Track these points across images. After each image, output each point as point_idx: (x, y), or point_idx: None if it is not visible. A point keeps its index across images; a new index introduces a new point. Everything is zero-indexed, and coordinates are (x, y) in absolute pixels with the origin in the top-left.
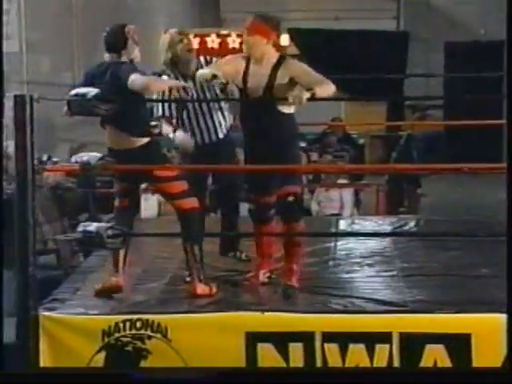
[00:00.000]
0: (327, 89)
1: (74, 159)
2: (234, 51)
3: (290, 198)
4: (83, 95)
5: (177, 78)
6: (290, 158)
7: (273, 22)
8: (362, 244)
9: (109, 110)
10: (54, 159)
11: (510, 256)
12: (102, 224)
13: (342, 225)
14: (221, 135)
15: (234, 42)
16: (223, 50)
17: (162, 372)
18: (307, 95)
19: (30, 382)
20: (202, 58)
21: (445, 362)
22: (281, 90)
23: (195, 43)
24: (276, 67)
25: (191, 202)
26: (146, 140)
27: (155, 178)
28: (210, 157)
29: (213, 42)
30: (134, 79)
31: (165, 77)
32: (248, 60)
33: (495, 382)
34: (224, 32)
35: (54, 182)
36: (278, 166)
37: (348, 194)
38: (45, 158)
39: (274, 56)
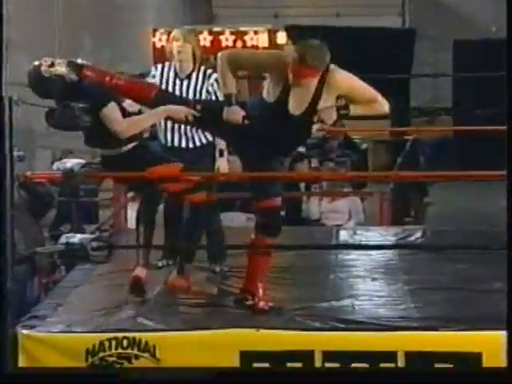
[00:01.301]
0: (378, 109)
1: (55, 166)
2: (226, 50)
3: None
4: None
5: (167, 78)
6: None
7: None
8: (365, 256)
9: (91, 123)
10: None
11: (510, 269)
12: (86, 235)
13: (343, 236)
14: (198, 143)
15: (227, 39)
16: (215, 49)
17: (159, 373)
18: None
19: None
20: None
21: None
22: (325, 114)
23: None
24: (320, 84)
25: (200, 196)
26: (131, 145)
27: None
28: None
29: (204, 39)
30: (107, 115)
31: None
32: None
33: (495, 383)
34: (217, 29)
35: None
36: (276, 174)
37: (357, 203)
38: None
39: (316, 77)
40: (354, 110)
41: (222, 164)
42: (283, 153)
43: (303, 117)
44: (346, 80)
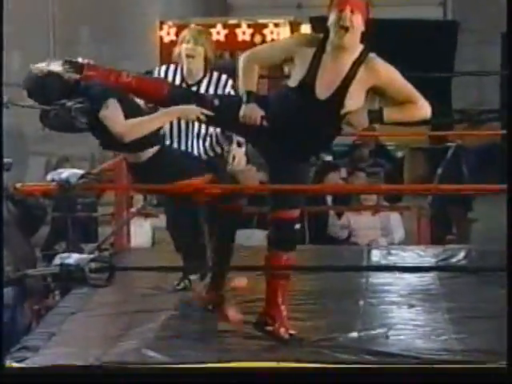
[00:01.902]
0: (418, 114)
1: (50, 177)
2: (244, 45)
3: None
4: (62, 104)
5: (172, 83)
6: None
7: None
8: (401, 280)
9: (89, 124)
10: None
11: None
12: (84, 255)
13: (376, 256)
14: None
15: (244, 33)
16: (231, 44)
17: (160, 373)
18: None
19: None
20: (215, 75)
21: None
22: (354, 118)
23: None
24: (357, 64)
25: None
26: (152, 150)
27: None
28: None
29: (218, 33)
30: (106, 116)
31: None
32: (321, 47)
33: (495, 382)
34: (232, 21)
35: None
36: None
37: (392, 219)
38: None
39: (357, 48)
40: (389, 114)
41: (239, 155)
42: (311, 148)
43: (331, 102)
44: (385, 69)
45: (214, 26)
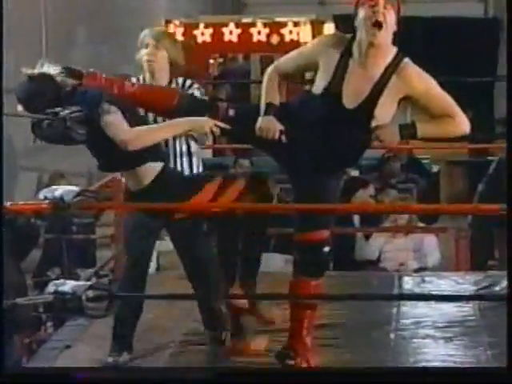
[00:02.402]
0: (455, 130)
1: (42, 194)
2: (259, 46)
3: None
4: (56, 113)
5: None
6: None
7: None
8: (436, 311)
9: (88, 136)
10: None
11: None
12: (80, 282)
13: (408, 283)
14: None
15: (259, 33)
16: (245, 45)
17: (160, 373)
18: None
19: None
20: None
21: None
22: (384, 133)
23: (207, 35)
24: (389, 70)
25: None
26: (154, 170)
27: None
28: None
29: (231, 33)
30: (110, 122)
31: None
32: (348, 49)
33: (495, 382)
34: (246, 20)
35: None
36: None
37: (427, 241)
38: None
39: (389, 51)
40: (424, 129)
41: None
42: (337, 162)
43: (359, 112)
44: (421, 78)
45: (225, 25)
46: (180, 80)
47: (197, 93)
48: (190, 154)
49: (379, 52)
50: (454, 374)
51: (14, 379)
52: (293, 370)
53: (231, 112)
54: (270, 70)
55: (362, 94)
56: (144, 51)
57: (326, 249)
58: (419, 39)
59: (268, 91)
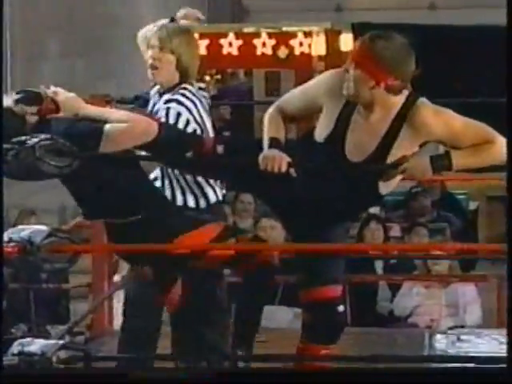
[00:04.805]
0: (495, 156)
1: (7, 236)
2: (264, 60)
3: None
4: (22, 142)
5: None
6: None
7: (392, 54)
8: None
9: (66, 168)
10: None
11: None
12: (51, 341)
13: (441, 343)
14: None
15: (264, 45)
16: (246, 59)
17: (160, 372)
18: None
19: None
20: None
21: None
22: (414, 167)
23: (202, 46)
24: (397, 123)
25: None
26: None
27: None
28: None
29: (230, 45)
30: (112, 130)
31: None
32: (348, 101)
33: (495, 382)
34: (248, 29)
35: None
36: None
37: (469, 293)
38: None
39: (393, 103)
40: (460, 159)
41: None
42: (342, 217)
43: (366, 166)
44: (439, 122)
45: (224, 36)
46: (182, 86)
47: (174, 105)
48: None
49: (381, 107)
50: (454, 374)
51: (13, 380)
52: (293, 370)
53: (219, 148)
54: (271, 110)
55: (368, 148)
56: (148, 53)
57: (340, 308)
58: (443, 53)
59: (271, 126)
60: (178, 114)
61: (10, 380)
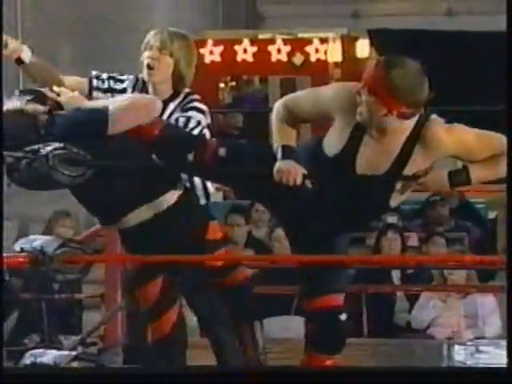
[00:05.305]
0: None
1: (18, 246)
2: (279, 67)
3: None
4: (35, 150)
5: None
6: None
7: (406, 84)
8: None
9: (80, 177)
10: None
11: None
12: (63, 352)
13: (460, 354)
14: None
15: (279, 51)
16: (262, 66)
17: (160, 372)
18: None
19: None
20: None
21: None
22: (432, 181)
23: (216, 53)
24: (409, 144)
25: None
26: (172, 198)
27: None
28: None
29: (245, 51)
30: (121, 113)
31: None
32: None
33: (495, 382)
34: (264, 36)
35: None
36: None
37: (488, 304)
38: None
39: (406, 127)
40: (478, 173)
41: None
42: (348, 227)
43: (377, 184)
44: (451, 139)
45: (239, 42)
46: (183, 94)
47: (195, 114)
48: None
49: (393, 131)
50: (454, 374)
51: (13, 380)
52: (293, 370)
53: (222, 151)
54: (278, 106)
55: (380, 168)
56: (146, 54)
57: (342, 317)
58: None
59: (282, 131)
60: (198, 123)
61: (10, 380)
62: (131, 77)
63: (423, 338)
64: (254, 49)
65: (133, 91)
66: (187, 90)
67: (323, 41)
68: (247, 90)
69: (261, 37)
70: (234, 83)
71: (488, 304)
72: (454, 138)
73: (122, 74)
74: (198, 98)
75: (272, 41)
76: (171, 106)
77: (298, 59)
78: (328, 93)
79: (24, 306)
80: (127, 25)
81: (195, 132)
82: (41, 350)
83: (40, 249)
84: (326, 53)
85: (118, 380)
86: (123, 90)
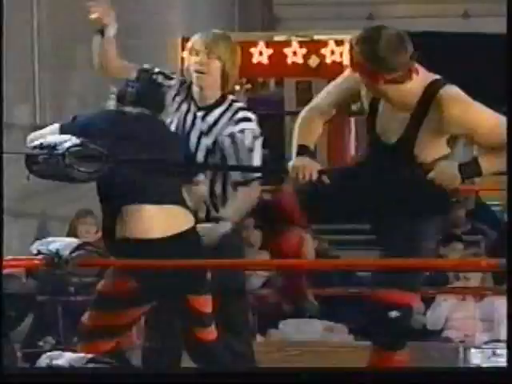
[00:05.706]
0: None
1: (34, 248)
2: (295, 69)
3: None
4: (52, 147)
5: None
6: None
7: (378, 54)
8: None
9: (96, 173)
10: None
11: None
12: (80, 355)
13: (476, 358)
14: None
15: (295, 54)
16: (277, 68)
17: (160, 372)
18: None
19: None
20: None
21: None
22: (442, 174)
23: None
24: (424, 106)
25: None
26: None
27: None
28: None
29: (260, 54)
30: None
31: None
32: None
33: (495, 382)
34: (279, 38)
35: None
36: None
37: (505, 307)
38: None
39: (410, 89)
40: (489, 164)
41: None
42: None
43: (397, 148)
44: (466, 114)
45: (254, 44)
46: (229, 99)
47: (247, 125)
48: None
49: (397, 96)
50: (454, 374)
51: (13, 379)
52: (293, 370)
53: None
54: (303, 113)
55: (396, 133)
56: (193, 59)
57: (393, 314)
58: (478, 64)
59: (300, 132)
60: (253, 135)
61: (10, 380)
62: (180, 78)
63: (439, 340)
64: (270, 51)
65: (177, 92)
66: (232, 97)
67: (339, 43)
68: (263, 93)
69: (276, 39)
70: (249, 86)
71: (504, 307)
72: (474, 111)
73: (173, 72)
74: (243, 106)
75: (288, 43)
76: (216, 112)
77: (313, 61)
78: (342, 77)
79: (40, 308)
80: (142, 28)
81: (255, 146)
82: (57, 353)
83: (56, 251)
84: (341, 55)
85: (131, 380)
86: (170, 87)
